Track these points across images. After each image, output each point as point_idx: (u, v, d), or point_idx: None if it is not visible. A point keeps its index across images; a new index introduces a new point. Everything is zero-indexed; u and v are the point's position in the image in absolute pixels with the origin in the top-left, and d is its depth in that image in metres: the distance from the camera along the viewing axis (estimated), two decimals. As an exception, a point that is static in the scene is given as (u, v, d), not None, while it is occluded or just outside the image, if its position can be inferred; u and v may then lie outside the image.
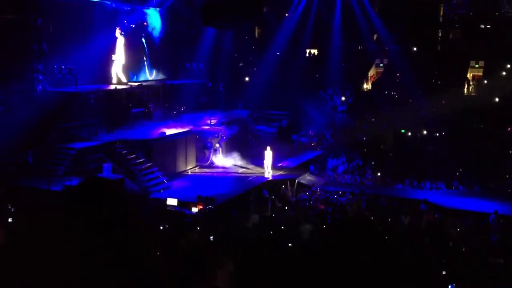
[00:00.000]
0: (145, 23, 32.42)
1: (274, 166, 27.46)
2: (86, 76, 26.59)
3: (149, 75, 32.98)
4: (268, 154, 26.23)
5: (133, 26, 31.04)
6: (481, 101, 33.06)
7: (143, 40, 32.54)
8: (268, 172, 26.05)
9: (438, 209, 21.87)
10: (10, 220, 15.37)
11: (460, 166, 26.77)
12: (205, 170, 27.09)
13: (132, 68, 31.33)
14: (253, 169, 27.00)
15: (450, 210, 21.98)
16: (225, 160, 27.93)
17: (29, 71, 23.88)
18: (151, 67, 33.18)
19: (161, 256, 13.74)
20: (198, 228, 17.95)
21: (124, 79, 29.30)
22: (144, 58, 32.76)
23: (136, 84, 29.80)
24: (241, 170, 27.01)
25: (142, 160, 23.94)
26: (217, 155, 28.10)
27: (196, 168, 26.91)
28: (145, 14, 32.29)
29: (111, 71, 28.86)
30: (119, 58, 29.05)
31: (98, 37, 27.23)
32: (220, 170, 27.10)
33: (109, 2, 28.64)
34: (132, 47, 30.70)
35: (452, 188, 25.47)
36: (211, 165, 27.65)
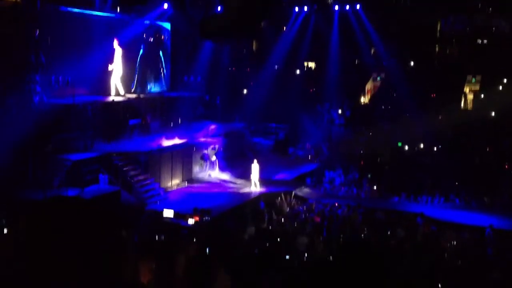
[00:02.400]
0: (162, 37, 33.24)
1: (271, 179, 27.49)
2: (83, 87, 26.65)
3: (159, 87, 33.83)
4: (255, 167, 25.87)
5: (151, 39, 32.30)
6: (478, 115, 33.18)
7: (161, 53, 33.45)
8: (255, 186, 25.70)
9: (435, 222, 21.85)
10: (5, 231, 15.32)
11: (456, 179, 26.77)
12: (200, 182, 27.06)
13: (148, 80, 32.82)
14: (246, 183, 26.75)
15: (447, 223, 21.97)
16: (221, 173, 27.91)
17: (27, 82, 23.89)
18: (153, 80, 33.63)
19: (157, 268, 13.70)
20: (195, 240, 17.91)
21: (122, 91, 29.35)
22: (161, 70, 33.78)
23: (134, 96, 29.89)
24: (238, 182, 26.90)
25: (138, 171, 23.96)
26: (214, 167, 28.11)
27: (186, 183, 26.67)
28: (161, 27, 33.09)
29: (110, 82, 28.91)
30: (117, 69, 29.12)
31: (96, 49, 27.33)
32: (217, 181, 27.08)
33: (107, 14, 28.76)
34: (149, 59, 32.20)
35: (448, 202, 25.46)
36: (208, 178, 27.63)
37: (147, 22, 31.72)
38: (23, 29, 23.87)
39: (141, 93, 31.33)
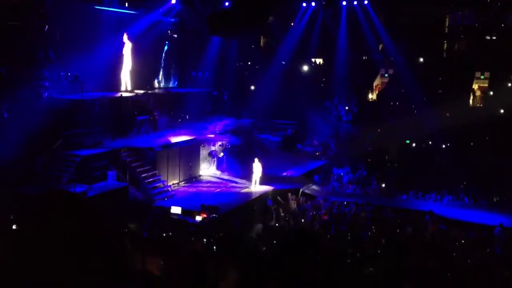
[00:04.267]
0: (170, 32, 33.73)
1: (279, 175, 27.43)
2: (92, 83, 26.66)
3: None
4: (257, 166, 25.27)
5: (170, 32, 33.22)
6: (486, 112, 33.00)
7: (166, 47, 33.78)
8: (255, 186, 25.17)
9: (443, 220, 21.77)
10: (14, 227, 15.38)
11: (465, 177, 26.66)
12: (208, 179, 27.03)
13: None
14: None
15: (455, 222, 21.89)
16: (229, 170, 27.84)
17: (36, 78, 23.92)
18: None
19: (163, 265, 13.73)
20: (202, 237, 17.92)
21: (129, 86, 29.33)
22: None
23: (142, 91, 29.90)
24: (246, 179, 26.76)
25: (146, 168, 23.96)
26: (222, 164, 28.09)
27: (193, 180, 26.63)
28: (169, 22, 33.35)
29: (119, 77, 28.91)
30: (126, 64, 29.09)
31: (105, 44, 27.30)
32: (225, 178, 27.01)
33: (115, 9, 28.74)
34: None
35: (457, 200, 25.35)
36: (215, 174, 27.61)
37: (156, 17, 31.72)
38: (32, 25, 23.88)
39: (155, 88, 31.71)
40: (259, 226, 20.50)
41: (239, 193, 24.67)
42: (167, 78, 33.83)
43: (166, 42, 33.13)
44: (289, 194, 24.64)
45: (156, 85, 32.97)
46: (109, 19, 28.27)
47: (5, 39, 22.40)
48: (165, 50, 33.22)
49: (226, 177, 27.16)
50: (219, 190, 25.23)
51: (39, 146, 22.03)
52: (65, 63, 24.68)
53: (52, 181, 20.61)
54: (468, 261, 17.02)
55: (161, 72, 33.27)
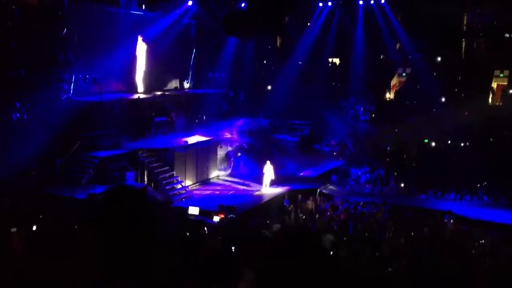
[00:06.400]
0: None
1: (297, 175, 27.33)
2: (110, 85, 26.91)
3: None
4: (268, 169, 24.95)
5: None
6: (506, 110, 32.59)
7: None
8: (265, 189, 24.84)
9: (463, 220, 21.53)
10: (34, 228, 15.56)
11: (485, 176, 26.35)
12: (225, 179, 27.06)
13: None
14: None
15: (475, 221, 21.63)
16: (245, 170, 27.80)
17: (55, 80, 24.24)
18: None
19: (183, 266, 13.78)
20: (220, 237, 17.95)
21: (143, 88, 29.44)
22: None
23: (159, 93, 30.07)
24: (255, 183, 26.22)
25: (164, 168, 24.11)
26: (239, 165, 28.10)
27: (210, 180, 26.75)
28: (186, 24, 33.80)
29: (135, 80, 29.11)
30: (141, 66, 29.27)
31: (122, 46, 27.52)
32: (242, 179, 26.95)
33: (133, 11, 28.95)
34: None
35: (477, 199, 25.08)
36: (232, 175, 27.61)
37: (172, 19, 31.89)
38: (50, 28, 24.18)
39: (185, 89, 32.23)
40: (276, 226, 20.45)
41: (253, 195, 24.63)
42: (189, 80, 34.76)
43: (194, 45, 34.34)
44: (307, 194, 24.55)
45: (186, 85, 34.14)
46: (126, 22, 28.50)
47: (24, 42, 22.73)
48: (193, 53, 34.58)
49: (239, 180, 26.89)
50: (233, 192, 25.23)
51: (58, 148, 22.30)
52: (83, 65, 24.98)
53: (71, 182, 20.82)
54: (488, 260, 16.83)
55: (190, 73, 34.38)
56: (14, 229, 14.94)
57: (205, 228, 19.23)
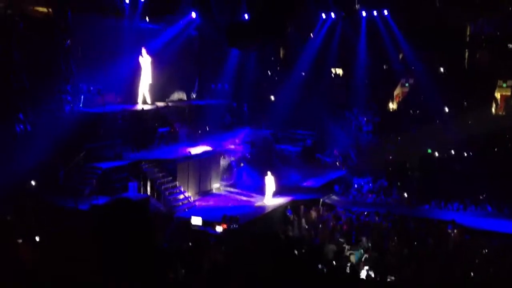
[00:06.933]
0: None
1: (299, 186, 27.32)
2: (113, 96, 27.01)
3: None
4: (270, 180, 24.89)
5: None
6: (509, 120, 32.56)
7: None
8: (267, 199, 24.72)
9: (466, 230, 21.47)
10: (37, 238, 15.59)
11: (488, 186, 26.30)
12: (228, 190, 27.05)
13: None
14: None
15: (478, 231, 21.57)
16: (249, 181, 27.79)
17: (58, 92, 24.38)
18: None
19: (185, 276, 13.77)
20: (223, 247, 17.94)
21: (149, 100, 29.53)
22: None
23: (162, 104, 30.17)
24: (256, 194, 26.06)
25: (167, 179, 24.16)
26: (241, 175, 28.10)
27: (213, 191, 26.73)
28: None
29: (137, 91, 29.20)
30: (145, 78, 29.34)
31: (126, 58, 27.65)
32: (245, 189, 26.93)
33: (137, 23, 29.10)
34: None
35: (480, 209, 25.02)
36: (235, 185, 27.61)
37: (176, 31, 32.05)
38: (54, 39, 24.36)
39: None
40: (280, 236, 20.42)
41: (255, 205, 24.61)
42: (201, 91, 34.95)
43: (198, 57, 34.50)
44: (310, 204, 24.53)
45: (194, 96, 34.24)
46: (130, 34, 28.64)
47: (28, 53, 22.91)
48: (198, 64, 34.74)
49: (242, 190, 26.78)
50: (235, 202, 25.16)
51: (61, 159, 22.38)
52: (87, 77, 25.10)
53: (74, 193, 20.88)
54: (491, 270, 16.77)
55: (196, 85, 34.55)
56: (20, 241, 15.02)
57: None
